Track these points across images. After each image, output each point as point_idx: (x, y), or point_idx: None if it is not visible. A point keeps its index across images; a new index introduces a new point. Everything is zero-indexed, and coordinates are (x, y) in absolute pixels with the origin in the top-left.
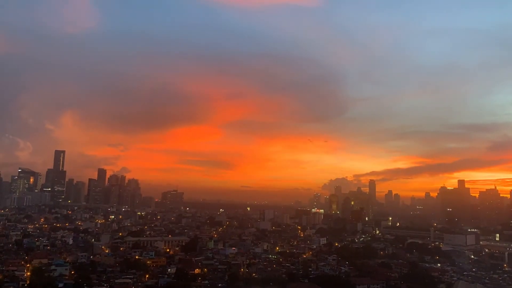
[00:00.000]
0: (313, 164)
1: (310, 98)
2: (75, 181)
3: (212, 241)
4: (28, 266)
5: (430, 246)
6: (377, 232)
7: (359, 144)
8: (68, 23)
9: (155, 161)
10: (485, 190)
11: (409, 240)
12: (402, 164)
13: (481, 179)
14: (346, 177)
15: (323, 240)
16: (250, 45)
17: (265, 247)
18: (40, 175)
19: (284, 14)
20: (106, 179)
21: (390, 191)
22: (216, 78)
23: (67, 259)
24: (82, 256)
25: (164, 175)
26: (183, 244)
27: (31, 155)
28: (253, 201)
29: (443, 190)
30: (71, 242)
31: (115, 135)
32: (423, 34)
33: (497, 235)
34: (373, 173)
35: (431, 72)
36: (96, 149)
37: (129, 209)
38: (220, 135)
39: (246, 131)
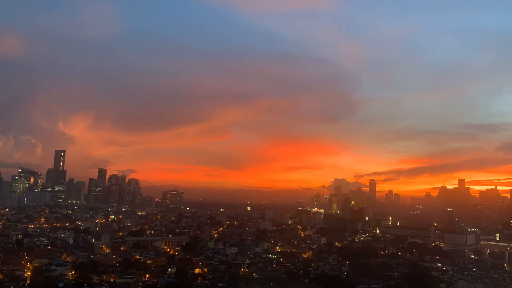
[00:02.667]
0: (319, 165)
1: (319, 99)
2: (75, 181)
3: (213, 240)
4: (29, 266)
5: (430, 246)
6: (377, 231)
7: (365, 145)
8: (88, 27)
9: (162, 161)
10: (485, 190)
11: (409, 240)
12: (408, 164)
13: (488, 179)
14: (344, 178)
15: (324, 240)
16: (262, 46)
17: (265, 247)
18: (40, 175)
19: (296, 18)
20: (106, 179)
21: (390, 191)
22: (226, 79)
23: (67, 259)
24: (82, 255)
25: (170, 175)
26: (183, 244)
27: (41, 155)
28: (254, 201)
29: (443, 189)
30: (71, 241)
31: (124, 135)
32: (433, 35)
33: (498, 234)
34: (376, 173)
35: (441, 73)
36: (104, 150)
37: (129, 209)
38: (228, 136)
39: (254, 131)
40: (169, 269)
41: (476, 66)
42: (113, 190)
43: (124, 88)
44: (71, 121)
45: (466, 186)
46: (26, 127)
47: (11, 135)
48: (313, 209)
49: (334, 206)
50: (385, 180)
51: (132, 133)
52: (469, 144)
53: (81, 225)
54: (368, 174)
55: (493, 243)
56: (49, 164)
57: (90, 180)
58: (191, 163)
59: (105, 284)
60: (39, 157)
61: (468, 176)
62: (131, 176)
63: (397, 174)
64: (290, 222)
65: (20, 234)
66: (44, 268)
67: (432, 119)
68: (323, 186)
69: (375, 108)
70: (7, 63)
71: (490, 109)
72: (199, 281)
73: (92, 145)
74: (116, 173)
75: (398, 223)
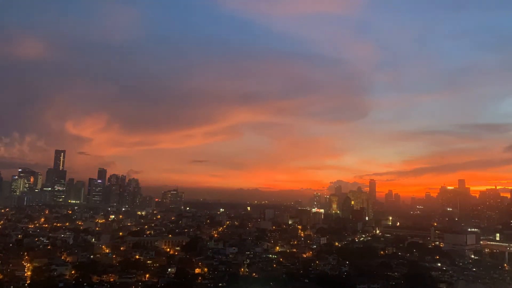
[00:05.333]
0: (325, 166)
1: (329, 100)
2: (75, 181)
3: (213, 240)
4: (29, 266)
5: (430, 246)
6: (377, 231)
7: (371, 146)
8: (108, 32)
9: (170, 162)
10: (485, 190)
11: (409, 240)
12: (413, 165)
13: (494, 180)
14: (346, 178)
15: (324, 240)
16: (272, 48)
17: (265, 247)
18: (40, 175)
19: (307, 20)
20: (107, 179)
21: (390, 191)
22: (237, 80)
23: (67, 259)
24: (82, 255)
25: (176, 176)
26: (184, 243)
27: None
28: (254, 200)
29: (443, 189)
30: (71, 241)
31: (134, 136)
32: (443, 36)
33: (498, 234)
34: (378, 173)
35: (451, 74)
36: (112, 151)
37: (129, 209)
38: (237, 136)
39: (262, 132)
40: (169, 269)
41: (486, 67)
42: (113, 190)
43: (137, 90)
44: (83, 122)
45: (466, 186)
46: (38, 128)
47: (21, 136)
48: (313, 209)
49: (334, 206)
50: (387, 180)
51: (142, 134)
52: (476, 144)
53: (81, 225)
54: (368, 175)
55: (493, 243)
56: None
57: (90, 180)
58: (197, 163)
59: (105, 284)
60: (51, 158)
61: (473, 176)
62: (135, 176)
63: (401, 174)
64: (290, 222)
65: (20, 234)
66: (44, 268)
67: (440, 120)
68: (323, 187)
69: (383, 109)
70: (28, 65)
71: (498, 110)
72: (199, 281)
73: (102, 146)
74: (124, 174)
75: (398, 223)
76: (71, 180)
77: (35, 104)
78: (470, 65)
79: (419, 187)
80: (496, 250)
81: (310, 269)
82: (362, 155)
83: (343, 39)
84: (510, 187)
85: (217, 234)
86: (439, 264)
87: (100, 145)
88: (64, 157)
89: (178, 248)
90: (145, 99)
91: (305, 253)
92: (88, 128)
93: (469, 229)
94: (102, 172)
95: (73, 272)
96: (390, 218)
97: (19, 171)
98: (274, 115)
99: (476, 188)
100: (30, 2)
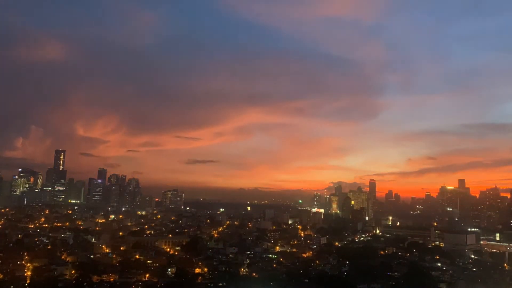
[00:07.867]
0: (329, 166)
1: (338, 101)
2: (75, 180)
3: (213, 240)
4: (29, 266)
5: (430, 246)
6: (377, 231)
7: (377, 146)
8: (124, 35)
9: (172, 163)
10: (485, 190)
11: (409, 240)
12: (417, 165)
13: (500, 180)
14: (347, 178)
15: (324, 240)
16: (281, 49)
17: (265, 247)
18: (40, 175)
19: (317, 21)
20: (107, 179)
21: (390, 191)
22: (246, 81)
23: (67, 259)
24: (82, 255)
25: (177, 176)
26: (184, 243)
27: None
28: (254, 200)
29: (443, 189)
30: (71, 241)
31: (142, 137)
32: (453, 38)
33: (498, 234)
34: (380, 174)
35: (461, 75)
36: (120, 151)
37: (129, 209)
38: (245, 137)
39: (271, 133)
40: (169, 269)
41: (495, 68)
42: (113, 190)
43: (147, 92)
44: (93, 124)
45: (467, 186)
46: (47, 128)
47: (29, 136)
48: (313, 209)
49: (334, 206)
50: (389, 181)
51: (149, 135)
52: (482, 144)
53: (81, 225)
54: (368, 175)
55: (493, 243)
56: (69, 165)
57: (90, 179)
58: (201, 163)
59: (105, 284)
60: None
61: (477, 176)
62: (136, 177)
63: (404, 175)
64: (290, 222)
65: (20, 234)
66: (44, 268)
67: (447, 120)
68: (324, 187)
69: (393, 110)
70: (46, 67)
71: (506, 111)
72: (199, 281)
73: (110, 147)
74: (125, 174)
75: (398, 223)
76: (71, 180)
77: (47, 105)
78: (479, 66)
79: (422, 187)
80: (496, 250)
81: (310, 269)
82: (367, 155)
83: (354, 40)
84: (510, 187)
85: (217, 234)
86: (439, 264)
87: (108, 146)
88: (64, 157)
89: (178, 248)
90: (155, 101)
91: (305, 253)
92: (98, 129)
93: (469, 229)
94: (102, 172)
95: (73, 272)
96: (390, 218)
97: (19, 171)
98: (284, 116)
99: (477, 188)
100: (50, 5)
